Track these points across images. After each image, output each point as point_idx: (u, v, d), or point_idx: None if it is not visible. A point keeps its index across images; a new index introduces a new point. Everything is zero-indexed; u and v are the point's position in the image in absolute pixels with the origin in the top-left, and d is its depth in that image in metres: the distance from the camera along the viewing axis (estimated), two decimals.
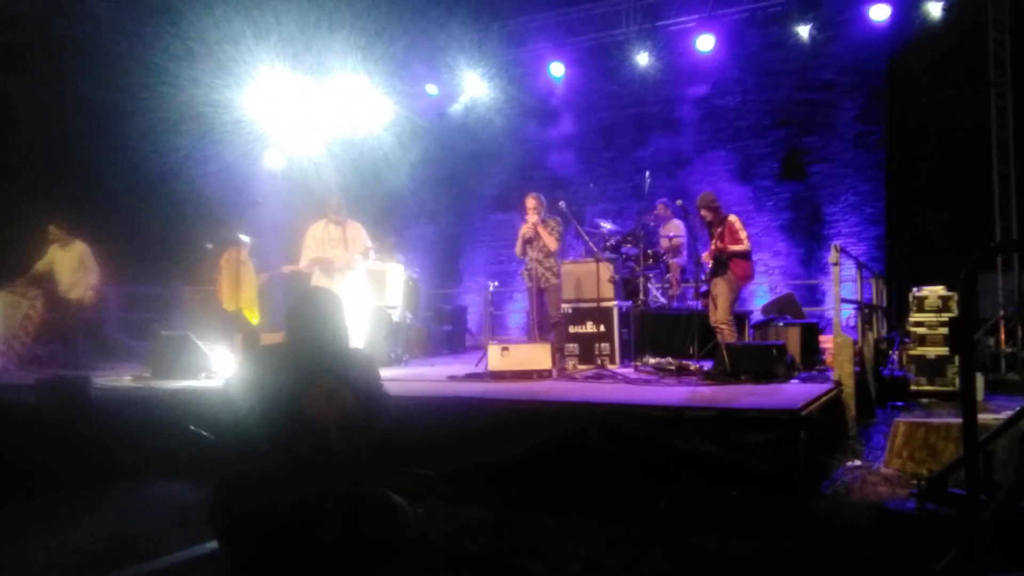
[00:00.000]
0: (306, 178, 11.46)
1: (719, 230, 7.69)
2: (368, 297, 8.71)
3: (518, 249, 8.13)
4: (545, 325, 8.14)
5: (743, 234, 7.60)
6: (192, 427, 5.93)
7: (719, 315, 7.55)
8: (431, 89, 13.40)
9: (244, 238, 9.10)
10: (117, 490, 5.16)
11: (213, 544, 3.83)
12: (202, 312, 9.71)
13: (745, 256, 7.63)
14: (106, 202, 10.81)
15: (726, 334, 7.46)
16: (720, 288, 7.59)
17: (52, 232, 9.14)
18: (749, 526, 4.03)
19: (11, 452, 5.38)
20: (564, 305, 8.21)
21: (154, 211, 11.14)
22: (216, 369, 7.41)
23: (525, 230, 8.00)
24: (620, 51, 12.34)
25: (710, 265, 7.72)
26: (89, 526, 4.36)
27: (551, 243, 7.81)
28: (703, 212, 7.84)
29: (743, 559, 3.56)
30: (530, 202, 7.98)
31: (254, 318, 9.18)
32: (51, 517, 4.54)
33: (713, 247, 7.63)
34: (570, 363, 8.03)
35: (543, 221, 7.93)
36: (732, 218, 7.69)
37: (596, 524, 4.17)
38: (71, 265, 9.16)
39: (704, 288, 8.09)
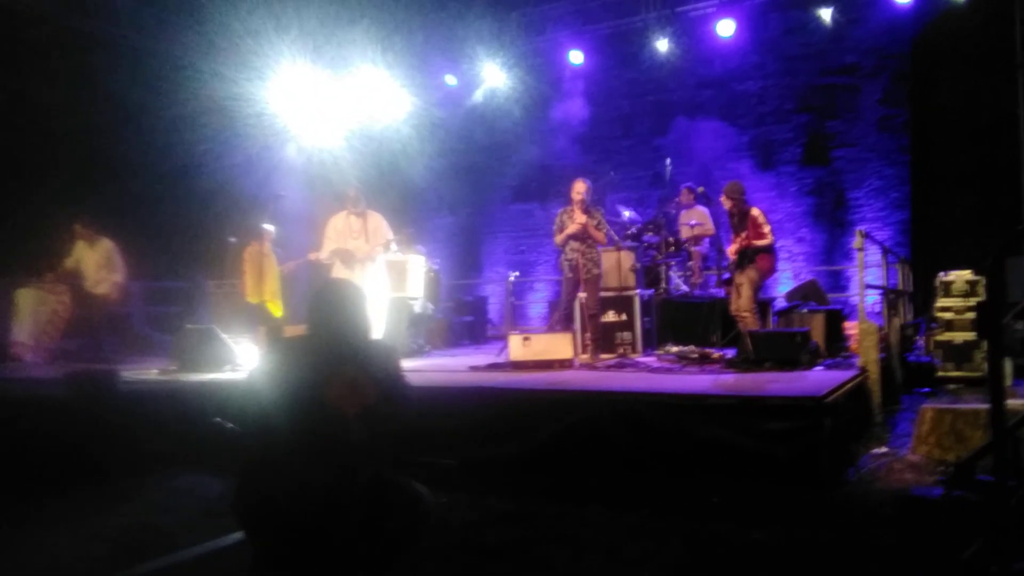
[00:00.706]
0: (326, 170, 11.50)
1: (737, 222, 7.61)
2: (388, 288, 8.74)
3: (559, 239, 7.74)
4: (572, 316, 8.06)
5: (766, 228, 7.52)
6: (217, 419, 6.00)
7: (742, 303, 7.50)
8: (450, 80, 13.39)
9: (268, 227, 9.17)
10: (145, 482, 5.20)
11: (239, 535, 3.89)
12: (226, 305, 9.80)
13: (769, 250, 7.56)
14: (131, 197, 10.92)
15: (748, 322, 7.40)
16: (745, 277, 7.54)
17: (78, 230, 9.28)
18: (772, 515, 4.00)
19: (41, 445, 5.45)
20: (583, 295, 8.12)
21: (178, 205, 11.24)
22: (241, 362, 7.47)
23: (572, 229, 7.58)
24: (639, 38, 12.25)
25: (734, 259, 7.66)
26: (118, 517, 4.40)
27: (600, 237, 7.60)
28: (725, 201, 7.73)
29: (765, 548, 3.54)
30: (579, 186, 7.58)
31: (277, 311, 9.26)
32: (81, 509, 4.59)
33: (738, 243, 7.54)
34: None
35: (589, 213, 7.57)
36: (755, 211, 7.58)
37: (617, 514, 4.16)
38: (97, 262, 9.29)
39: (727, 276, 8.03)
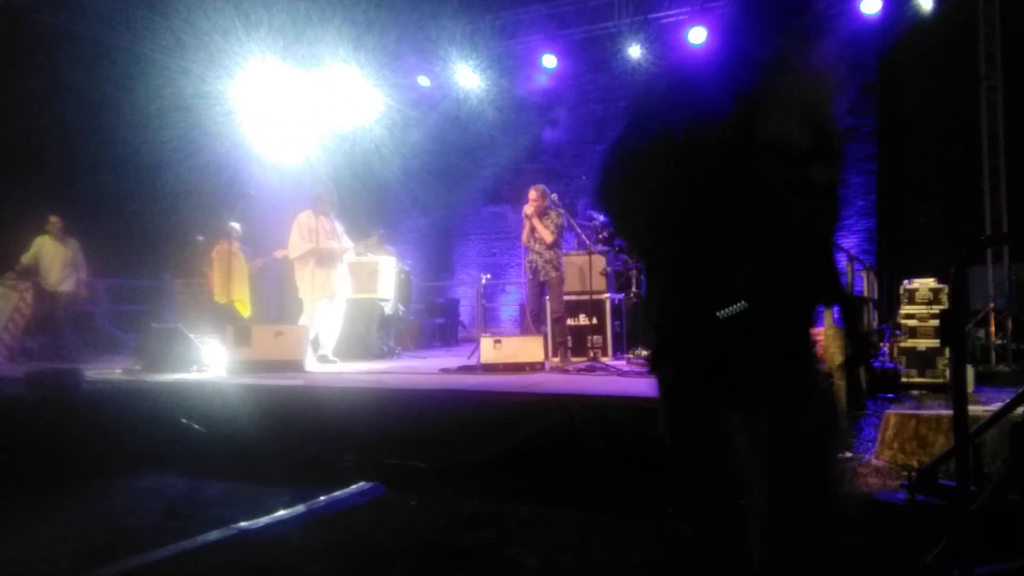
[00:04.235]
0: (297, 170, 11.40)
1: None
2: (352, 289, 8.71)
3: (524, 237, 7.98)
4: (542, 318, 8.09)
5: None
6: (184, 420, 5.93)
7: None
8: (423, 81, 13.36)
9: (234, 225, 9.07)
10: (109, 483, 5.13)
11: (205, 537, 3.85)
12: (193, 304, 9.69)
13: None
14: (95, 194, 10.73)
15: None
16: None
17: (52, 223, 9.11)
18: None
19: (2, 445, 5.35)
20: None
21: (145, 203, 11.06)
22: (207, 362, 7.38)
23: (525, 228, 7.88)
24: (612, 44, 12.33)
25: None
26: (81, 519, 4.34)
27: (546, 234, 7.71)
28: None
29: None
30: (531, 193, 7.85)
31: (245, 311, 9.17)
32: (43, 510, 4.51)
33: None
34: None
35: (545, 212, 7.79)
36: None
37: (587, 516, 4.18)
38: (63, 260, 9.14)
39: None
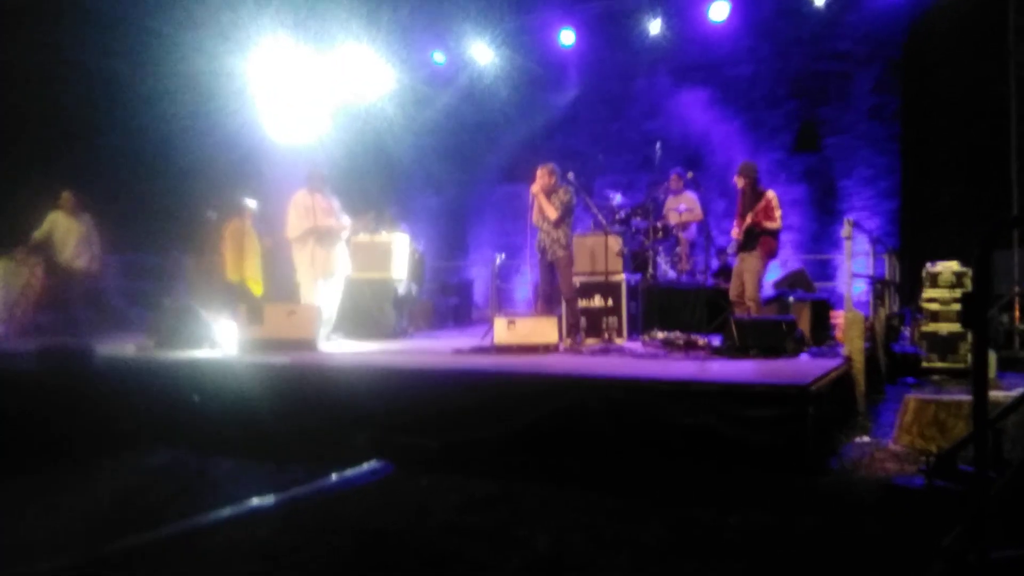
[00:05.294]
0: (310, 148, 11.33)
1: (749, 202, 7.54)
2: (365, 268, 8.68)
3: (534, 216, 7.90)
4: (555, 299, 8.01)
5: (778, 212, 7.52)
6: (196, 397, 5.93)
7: (749, 292, 7.47)
8: (437, 57, 13.23)
9: (249, 202, 9.04)
10: (120, 459, 5.17)
11: (216, 513, 3.85)
12: (205, 282, 9.67)
13: (776, 235, 7.53)
14: (108, 170, 10.73)
15: (754, 311, 7.37)
16: (748, 264, 7.51)
17: (65, 199, 9.12)
18: (754, 502, 4.00)
19: (13, 421, 5.39)
20: (573, 279, 8.06)
21: (157, 179, 11.05)
22: (219, 340, 7.38)
23: (534, 209, 7.82)
24: (631, 19, 12.13)
25: (738, 239, 7.60)
26: (92, 494, 4.37)
27: (550, 211, 7.60)
28: (740, 181, 7.68)
29: (747, 533, 3.55)
30: (538, 171, 7.79)
31: (258, 289, 9.16)
32: (54, 485, 4.55)
33: (749, 219, 7.47)
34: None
35: (553, 190, 7.70)
36: (770, 194, 7.55)
37: (599, 497, 4.16)
38: (78, 235, 9.15)
39: (715, 266, 7.98)
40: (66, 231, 9.14)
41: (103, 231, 9.37)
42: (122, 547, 3.42)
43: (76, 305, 9.23)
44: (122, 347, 7.32)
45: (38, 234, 9.11)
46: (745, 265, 7.55)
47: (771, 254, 7.63)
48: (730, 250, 7.88)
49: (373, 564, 3.30)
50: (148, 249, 11.48)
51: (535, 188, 7.70)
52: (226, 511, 3.95)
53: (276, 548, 3.44)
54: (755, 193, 7.56)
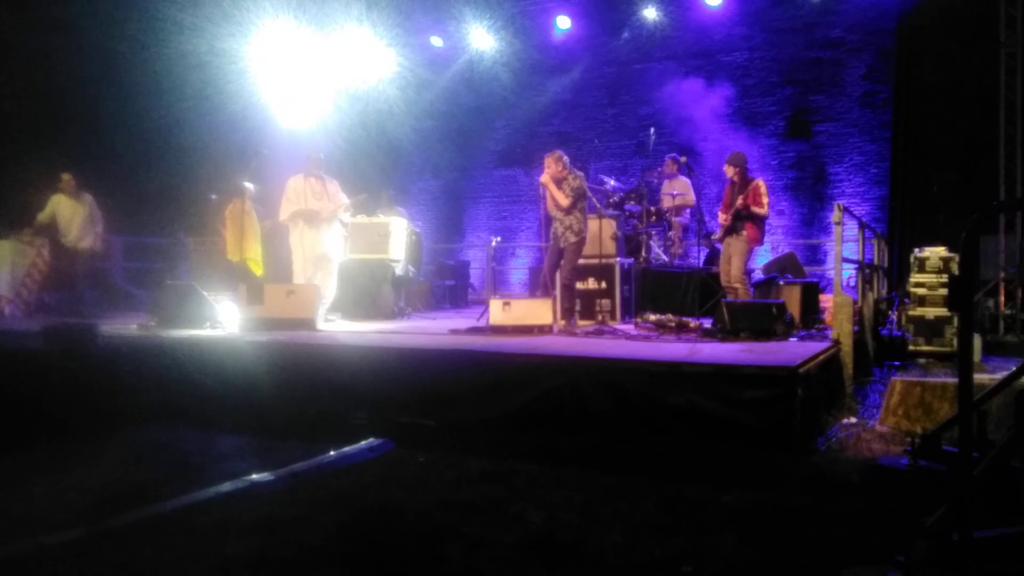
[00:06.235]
0: (310, 130, 11.37)
1: (739, 191, 7.65)
2: (363, 249, 8.77)
3: (548, 205, 7.79)
4: (550, 283, 8.05)
5: (765, 200, 7.62)
6: (197, 376, 6.02)
7: (734, 274, 7.60)
8: (436, 41, 13.23)
9: (248, 184, 9.10)
10: (124, 436, 5.22)
11: (217, 488, 3.94)
12: (206, 262, 9.75)
13: (761, 222, 7.64)
14: (110, 151, 10.76)
15: (740, 293, 7.49)
16: (735, 248, 7.63)
17: (65, 180, 9.17)
18: (744, 480, 4.08)
19: (18, 398, 5.44)
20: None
21: (159, 161, 11.09)
22: (221, 319, 7.47)
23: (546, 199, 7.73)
24: (627, 5, 12.19)
25: (725, 223, 7.71)
26: (95, 471, 4.41)
27: (561, 199, 7.57)
28: (729, 170, 7.79)
29: (736, 511, 3.62)
30: (545, 160, 7.69)
31: (258, 269, 9.23)
32: (58, 462, 4.57)
33: (739, 202, 7.58)
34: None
35: (563, 178, 7.60)
36: (758, 182, 7.67)
37: (592, 475, 4.23)
38: (82, 216, 9.22)
39: (718, 245, 8.08)
40: (71, 212, 9.21)
41: (106, 212, 9.42)
42: (123, 522, 3.46)
43: (81, 285, 9.31)
44: (125, 326, 7.39)
45: (42, 216, 9.19)
46: (732, 249, 7.68)
47: (757, 240, 7.75)
48: (715, 237, 7.98)
49: (371, 538, 3.35)
50: (150, 230, 11.52)
51: (544, 178, 7.61)
52: (226, 486, 3.98)
53: (276, 523, 3.49)
54: (744, 182, 7.68)
